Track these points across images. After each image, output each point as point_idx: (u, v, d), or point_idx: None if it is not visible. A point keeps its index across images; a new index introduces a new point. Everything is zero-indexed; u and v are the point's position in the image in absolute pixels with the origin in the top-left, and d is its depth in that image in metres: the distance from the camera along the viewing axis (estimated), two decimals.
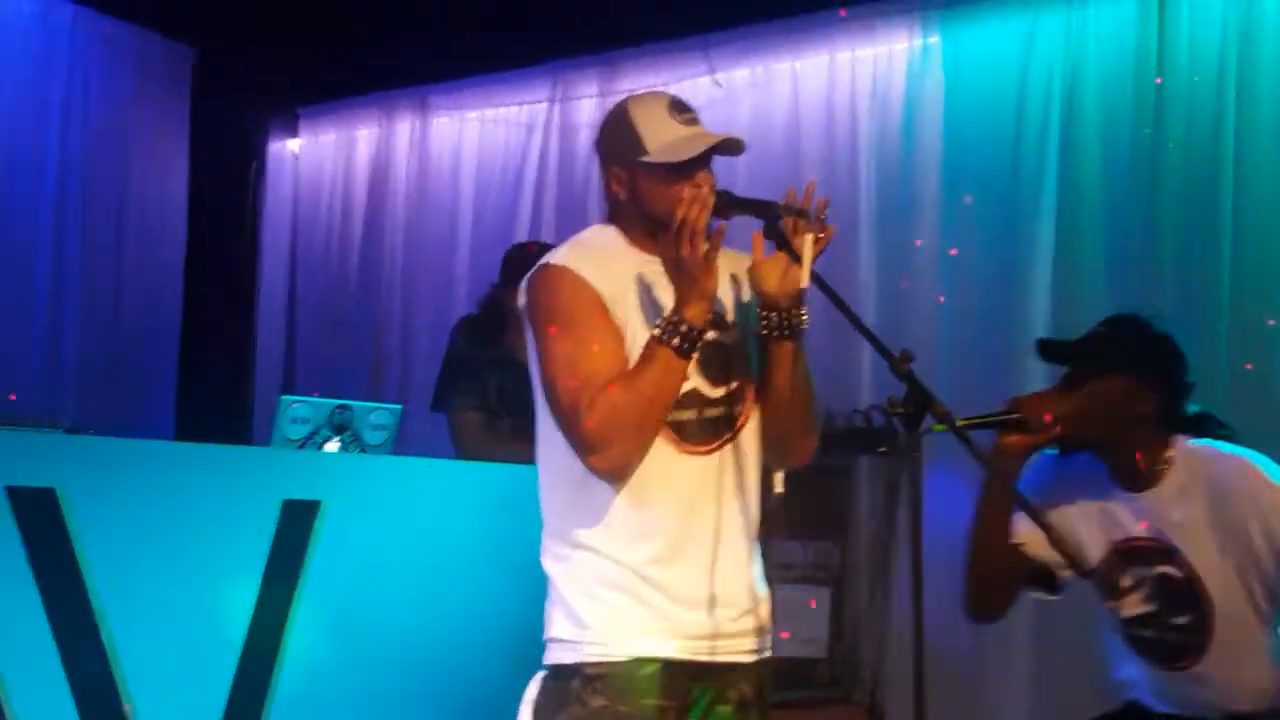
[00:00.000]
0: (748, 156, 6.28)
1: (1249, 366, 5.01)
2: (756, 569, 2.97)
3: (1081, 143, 5.51)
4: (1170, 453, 3.36)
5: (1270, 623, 3.28)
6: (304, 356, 7.80)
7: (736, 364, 2.94)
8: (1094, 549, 3.45)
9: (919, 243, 5.81)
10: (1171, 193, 5.26)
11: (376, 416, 4.41)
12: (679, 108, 2.96)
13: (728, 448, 2.92)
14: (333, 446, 4.28)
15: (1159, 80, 5.30)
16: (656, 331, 2.75)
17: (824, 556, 5.53)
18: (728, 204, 2.86)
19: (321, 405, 4.28)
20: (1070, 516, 3.44)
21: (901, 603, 5.30)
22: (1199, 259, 5.17)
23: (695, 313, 2.74)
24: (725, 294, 2.97)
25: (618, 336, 2.84)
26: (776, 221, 2.84)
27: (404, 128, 7.61)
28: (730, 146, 2.93)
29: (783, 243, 2.82)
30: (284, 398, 4.29)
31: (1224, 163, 5.16)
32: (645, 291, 2.90)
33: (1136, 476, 3.37)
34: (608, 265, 2.90)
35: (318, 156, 8.04)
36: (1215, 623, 3.30)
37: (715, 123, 3.11)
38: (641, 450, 2.79)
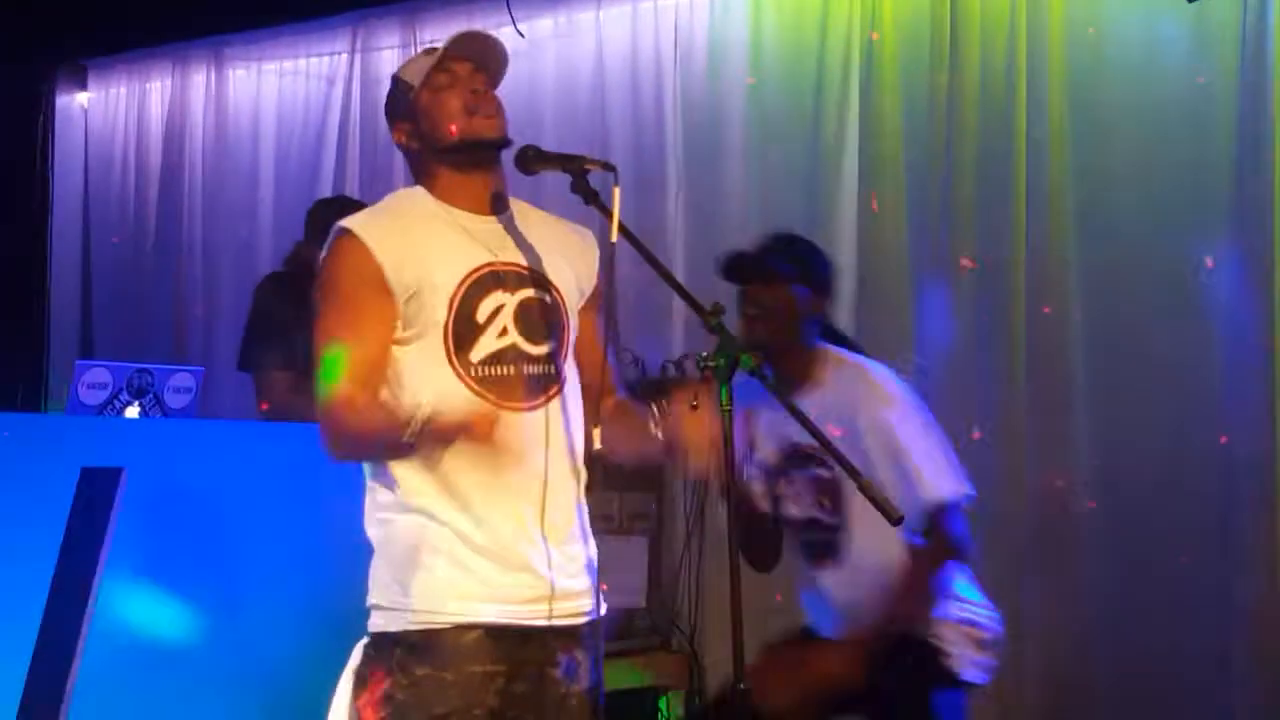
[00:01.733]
0: (554, 109, 6.33)
1: (1047, 310, 5.10)
2: (583, 528, 2.95)
3: (882, 83, 5.53)
4: (822, 358, 3.75)
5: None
6: (101, 322, 7.60)
7: (555, 323, 2.91)
8: (768, 455, 3.79)
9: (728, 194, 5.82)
10: (970, 130, 5.31)
11: (178, 379, 4.30)
12: (430, 50, 2.98)
13: (551, 404, 2.89)
14: (133, 412, 4.16)
15: None
16: (407, 420, 2.69)
17: (641, 506, 5.54)
18: (534, 158, 2.84)
19: (120, 369, 4.15)
20: (750, 426, 3.57)
21: (719, 551, 5.33)
22: (997, 202, 5.23)
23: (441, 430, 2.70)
24: (545, 253, 2.94)
25: (381, 318, 2.80)
26: (584, 176, 2.81)
27: (198, 80, 7.42)
28: (478, 39, 2.95)
29: (590, 198, 2.80)
30: (79, 362, 4.16)
31: (1017, 100, 5.21)
32: (449, 242, 2.86)
33: (798, 382, 3.70)
34: (407, 227, 2.87)
35: (109, 111, 7.82)
36: (854, 523, 3.67)
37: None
38: (365, 459, 2.85)
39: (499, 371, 2.82)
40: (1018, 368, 5.12)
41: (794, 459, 3.75)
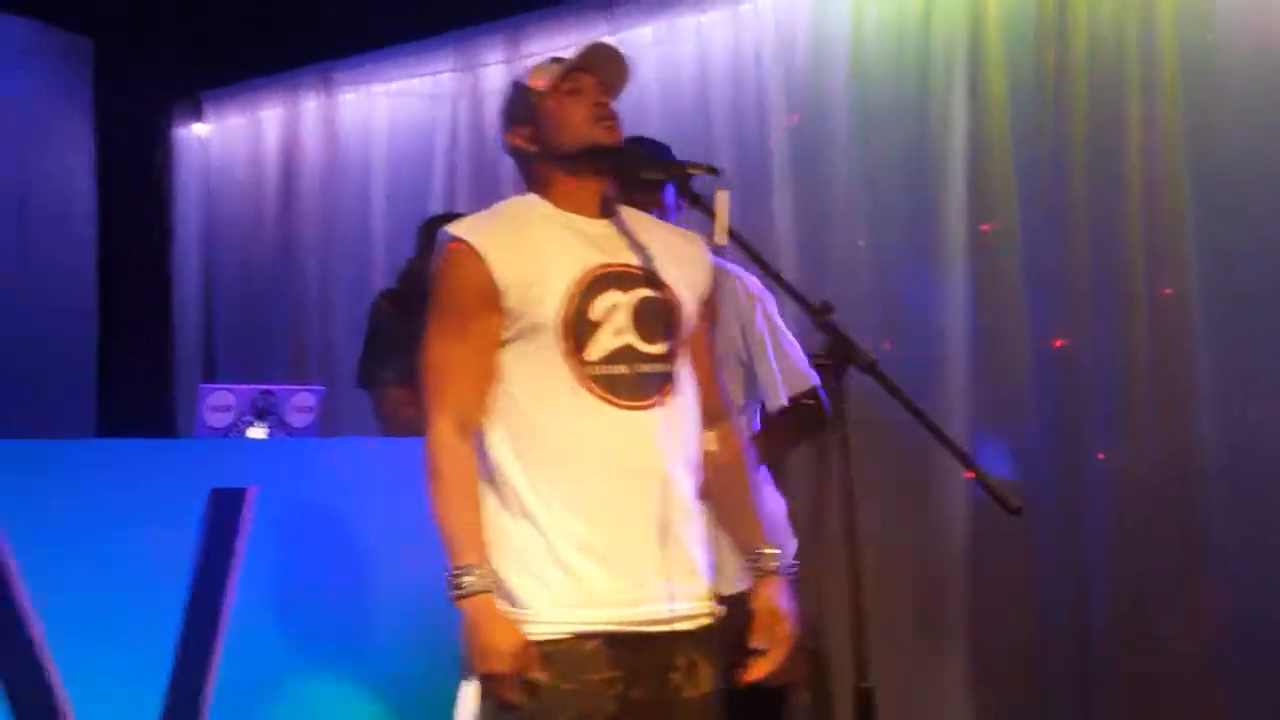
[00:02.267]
0: (658, 114, 6.33)
1: (1168, 292, 5.04)
2: (700, 529, 2.96)
3: (988, 73, 5.50)
4: None
5: None
6: (224, 343, 7.73)
7: (671, 323, 2.93)
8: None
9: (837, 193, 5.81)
10: (1079, 115, 5.26)
11: (299, 399, 4.38)
12: (558, 59, 3.03)
13: (666, 403, 2.89)
14: (257, 432, 4.24)
15: None
16: (454, 577, 2.77)
17: None
18: (639, 165, 2.86)
19: (243, 391, 4.24)
20: None
21: (840, 548, 5.31)
22: (1108, 182, 5.18)
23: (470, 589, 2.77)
24: (657, 255, 2.96)
25: (488, 332, 2.85)
26: (689, 181, 2.83)
27: (310, 106, 7.54)
28: (605, 53, 2.99)
29: (695, 202, 2.82)
30: (203, 386, 4.25)
31: (1128, 83, 5.16)
32: (563, 243, 2.89)
33: None
34: (519, 228, 2.90)
35: (226, 140, 7.94)
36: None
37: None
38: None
39: (615, 370, 2.84)
40: (1138, 351, 5.06)
41: None
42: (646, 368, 2.87)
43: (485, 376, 2.86)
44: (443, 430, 2.83)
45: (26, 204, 7.14)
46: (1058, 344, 5.23)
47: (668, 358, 2.91)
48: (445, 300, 2.89)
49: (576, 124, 2.91)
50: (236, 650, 3.76)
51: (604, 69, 2.97)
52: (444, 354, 2.86)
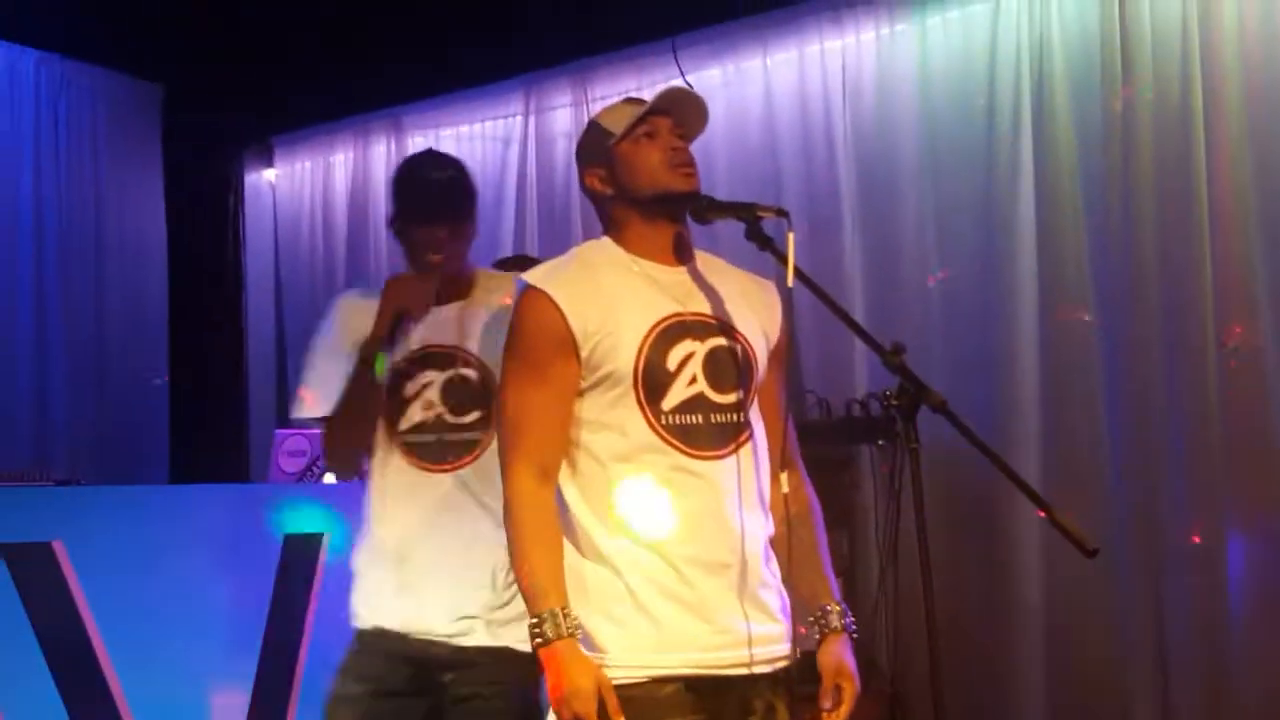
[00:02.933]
0: (726, 155, 6.34)
1: (1239, 330, 5.00)
2: (775, 570, 2.95)
3: (1054, 115, 5.51)
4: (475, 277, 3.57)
5: None
6: (296, 387, 7.75)
7: (743, 371, 2.92)
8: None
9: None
10: (1145, 157, 5.25)
11: None
12: (635, 100, 3.01)
13: (740, 452, 2.88)
14: (331, 477, 4.25)
15: None
16: (535, 625, 2.73)
17: (833, 547, 5.50)
18: (707, 208, 2.86)
19: (316, 436, 4.26)
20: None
21: (914, 589, 5.28)
22: (1177, 221, 5.16)
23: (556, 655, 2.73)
24: (730, 303, 2.95)
25: (566, 381, 2.84)
26: (758, 223, 2.82)
27: (379, 150, 7.59)
28: (684, 96, 2.96)
29: (765, 244, 2.81)
30: (278, 432, 4.27)
31: (1194, 122, 5.15)
32: (637, 292, 2.88)
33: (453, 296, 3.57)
34: (594, 276, 2.89)
35: (295, 184, 8.01)
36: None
37: None
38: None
39: (688, 420, 2.82)
40: (1209, 392, 5.03)
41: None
42: (720, 417, 2.86)
43: (564, 423, 2.84)
44: (522, 477, 2.81)
45: (102, 249, 7.23)
46: (1129, 385, 5.20)
47: (740, 407, 2.90)
48: (522, 348, 2.87)
49: (651, 169, 2.89)
50: (312, 693, 3.77)
51: (680, 112, 2.97)
52: (522, 401, 2.84)
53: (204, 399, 7.40)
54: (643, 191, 2.90)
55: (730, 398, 2.88)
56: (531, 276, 2.89)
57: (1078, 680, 5.25)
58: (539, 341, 2.84)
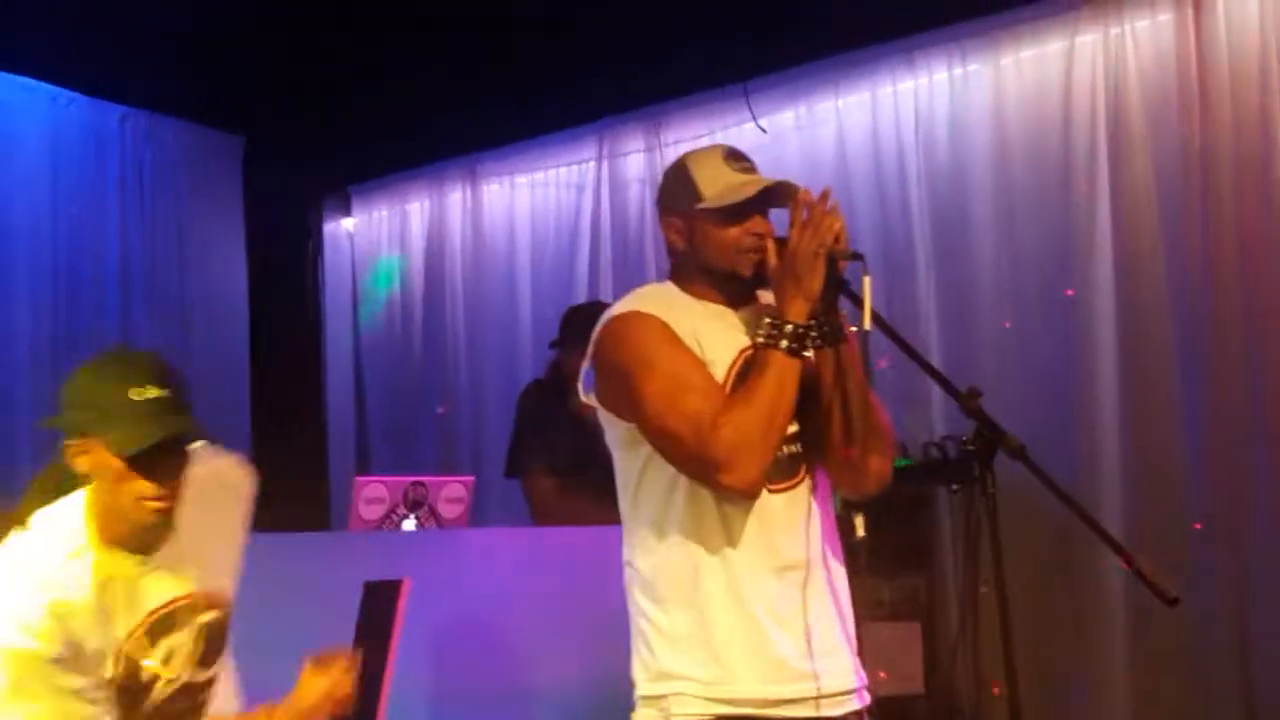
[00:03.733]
0: None
1: None
2: (845, 611, 2.93)
3: (1131, 152, 5.49)
4: None
5: None
6: (375, 433, 7.82)
7: (809, 400, 2.91)
8: None
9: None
10: (1224, 194, 5.22)
11: (450, 490, 4.42)
12: (735, 156, 2.96)
13: (805, 484, 2.88)
14: (410, 525, 4.29)
15: None
16: (762, 338, 2.74)
17: (910, 590, 5.49)
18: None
19: (395, 484, 4.29)
20: None
21: (994, 632, 5.23)
22: (1260, 258, 5.13)
23: (797, 311, 2.74)
24: None
25: (705, 366, 2.82)
26: (836, 267, 2.82)
27: (455, 198, 7.65)
28: (784, 190, 2.91)
29: (842, 288, 2.81)
30: (357, 479, 4.31)
31: (1274, 155, 5.12)
32: (714, 327, 2.88)
33: None
34: (670, 313, 2.89)
35: (373, 232, 8.08)
36: None
37: (763, 167, 3.10)
38: (769, 461, 2.75)
39: None
40: None
41: None
42: (789, 448, 2.86)
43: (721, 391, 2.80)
44: (712, 422, 2.70)
45: (185, 300, 7.32)
46: (1213, 427, 5.15)
47: (805, 435, 2.90)
48: (643, 353, 2.82)
49: (726, 249, 2.86)
50: None
51: (770, 208, 2.96)
52: (670, 368, 2.78)
53: (284, 447, 7.45)
54: (713, 265, 2.89)
55: (795, 428, 2.87)
56: (621, 308, 2.90)
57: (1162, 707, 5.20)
58: (662, 340, 2.83)
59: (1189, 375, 5.24)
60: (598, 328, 2.92)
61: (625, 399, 2.82)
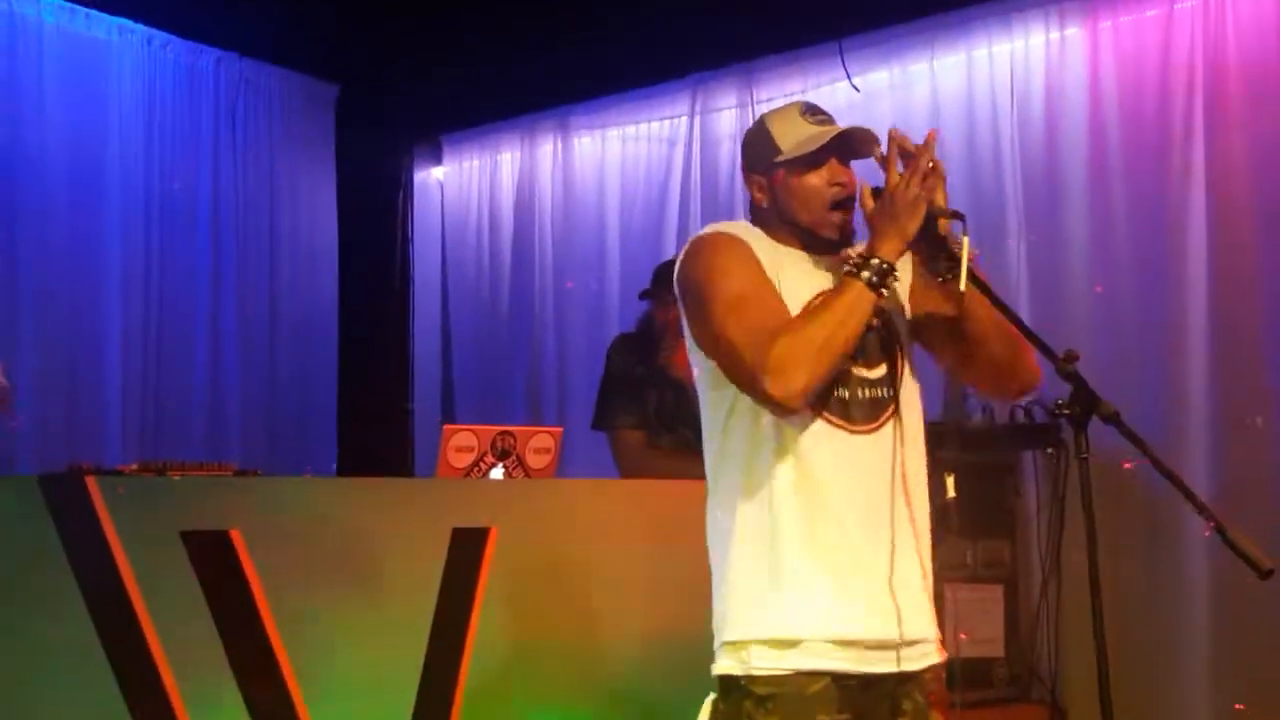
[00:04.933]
0: None
1: None
2: (927, 563, 2.93)
3: (1227, 123, 5.42)
4: None
5: None
6: (460, 383, 7.87)
7: (888, 345, 2.92)
8: None
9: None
10: None
11: (538, 440, 4.44)
12: (812, 110, 2.98)
13: (888, 428, 2.88)
14: (497, 473, 4.32)
15: None
16: (849, 267, 2.75)
17: (995, 553, 5.48)
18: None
19: (484, 433, 4.32)
20: None
21: (1076, 598, 5.22)
22: None
23: (889, 249, 2.74)
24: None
25: (777, 292, 2.82)
26: (934, 224, 2.81)
27: (546, 149, 7.65)
28: (862, 136, 2.91)
29: (940, 246, 2.81)
30: (446, 427, 4.34)
31: None
32: (795, 267, 2.89)
33: None
34: (755, 243, 2.90)
35: (462, 182, 8.11)
36: None
37: None
38: (818, 380, 2.71)
39: (838, 394, 2.81)
40: None
41: None
42: (871, 392, 2.86)
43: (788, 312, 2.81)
44: (771, 334, 2.70)
45: (275, 245, 7.40)
46: None
47: (888, 380, 2.90)
48: (722, 264, 2.83)
49: (809, 203, 2.87)
50: (476, 688, 3.83)
51: (848, 149, 2.95)
52: (742, 283, 2.79)
53: (371, 394, 7.53)
54: (797, 220, 2.90)
55: (878, 372, 2.87)
56: (703, 230, 2.93)
57: (1246, 697, 5.16)
58: (742, 258, 2.84)
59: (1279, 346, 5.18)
60: (685, 246, 2.94)
61: (697, 312, 2.85)
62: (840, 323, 2.71)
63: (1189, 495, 2.62)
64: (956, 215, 2.81)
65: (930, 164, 2.78)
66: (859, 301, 2.73)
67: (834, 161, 2.90)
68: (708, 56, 6.81)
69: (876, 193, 2.82)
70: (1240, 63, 5.40)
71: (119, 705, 3.42)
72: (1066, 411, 2.63)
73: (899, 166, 2.78)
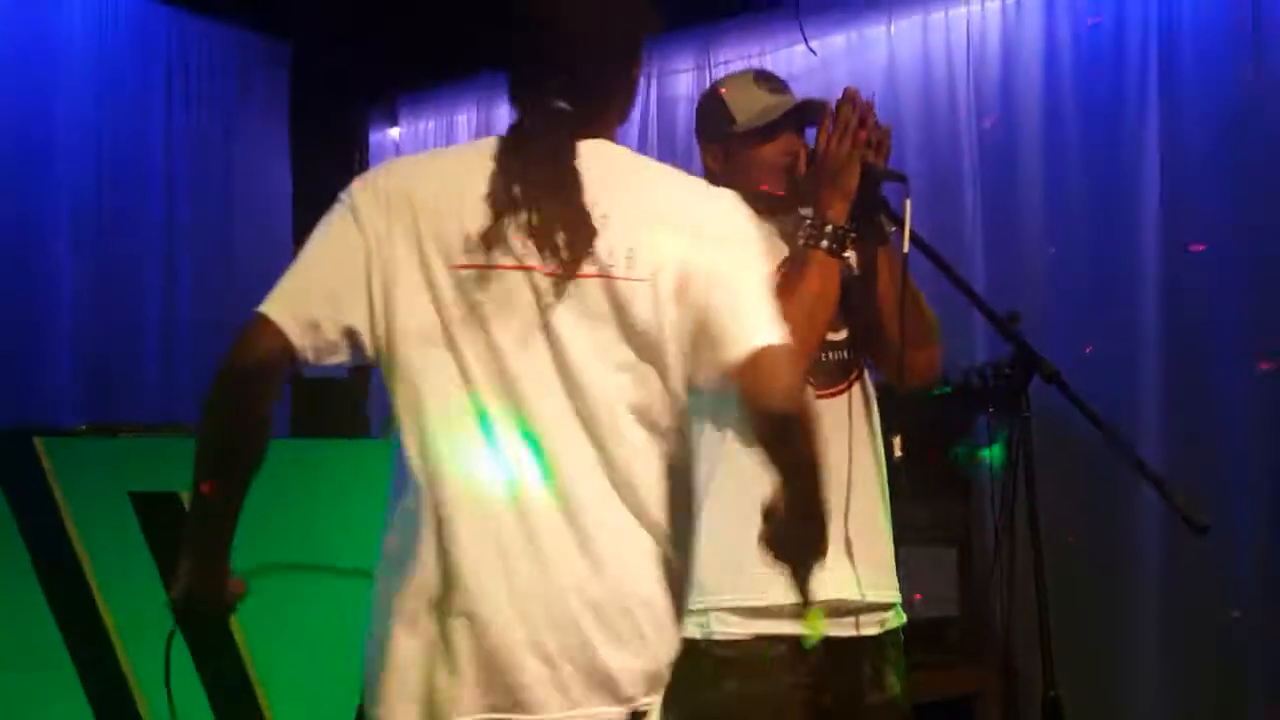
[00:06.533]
0: None
1: None
2: (886, 527, 2.93)
3: (1182, 83, 5.44)
4: None
5: None
6: None
7: (852, 309, 2.92)
8: None
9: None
10: (1276, 124, 5.16)
11: None
12: (765, 78, 3.01)
13: (852, 390, 2.90)
14: None
15: None
16: (803, 239, 2.75)
17: (947, 514, 5.50)
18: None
19: None
20: None
21: (1030, 559, 5.24)
22: None
23: (836, 212, 2.75)
24: None
25: None
26: (877, 186, 2.82)
27: (503, 110, 7.55)
28: (816, 108, 2.92)
29: (881, 207, 2.82)
30: None
31: None
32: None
33: None
34: None
35: (418, 144, 8.06)
36: None
37: (813, 91, 3.10)
38: (809, 358, 2.74)
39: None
40: None
41: None
42: (835, 355, 2.88)
43: None
44: None
45: (230, 205, 7.35)
46: (1263, 365, 5.11)
47: (850, 343, 2.91)
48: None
49: (762, 169, 2.90)
50: None
51: (805, 126, 2.95)
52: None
53: None
54: (751, 187, 2.90)
55: (840, 335, 2.89)
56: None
57: (1194, 654, 5.20)
58: None
59: (1235, 307, 5.21)
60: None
61: None
62: (816, 297, 2.76)
63: (1127, 453, 2.65)
64: (899, 176, 2.82)
65: (858, 119, 2.78)
66: (826, 271, 2.75)
67: (788, 133, 2.91)
68: (666, 18, 6.76)
69: (811, 153, 2.83)
70: (1194, 23, 5.41)
71: (67, 667, 3.41)
72: (1008, 372, 2.64)
73: (829, 127, 2.79)
